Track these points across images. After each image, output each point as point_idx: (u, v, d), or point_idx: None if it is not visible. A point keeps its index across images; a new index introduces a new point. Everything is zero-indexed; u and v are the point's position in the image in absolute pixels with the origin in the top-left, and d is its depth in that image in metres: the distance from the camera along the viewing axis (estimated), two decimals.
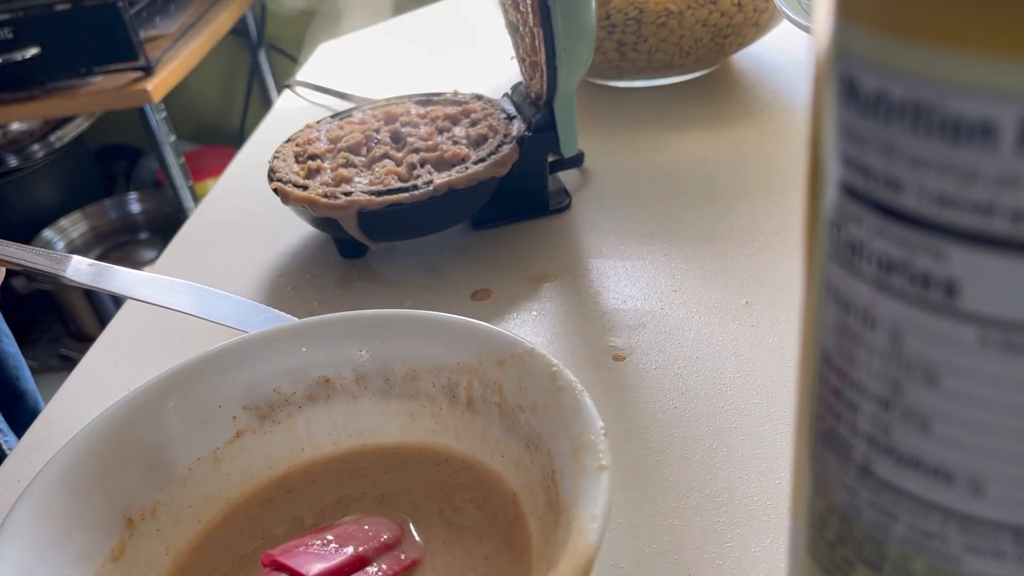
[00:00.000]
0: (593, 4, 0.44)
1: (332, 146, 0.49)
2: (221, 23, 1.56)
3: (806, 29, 0.47)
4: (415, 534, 0.27)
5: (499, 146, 0.46)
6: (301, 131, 0.51)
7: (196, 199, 1.50)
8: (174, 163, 1.48)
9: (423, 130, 0.49)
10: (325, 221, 0.45)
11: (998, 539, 0.14)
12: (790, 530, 0.19)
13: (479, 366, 0.28)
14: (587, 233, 0.48)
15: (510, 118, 0.49)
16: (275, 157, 0.49)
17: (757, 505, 0.30)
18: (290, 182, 0.46)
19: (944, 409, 0.13)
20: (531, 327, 0.41)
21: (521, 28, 0.48)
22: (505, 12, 0.51)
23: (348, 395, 0.30)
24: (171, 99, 1.45)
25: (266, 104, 1.86)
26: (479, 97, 0.52)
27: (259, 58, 1.87)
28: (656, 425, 0.34)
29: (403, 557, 0.26)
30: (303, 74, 0.80)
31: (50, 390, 0.46)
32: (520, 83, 0.52)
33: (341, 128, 0.51)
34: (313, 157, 0.48)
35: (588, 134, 0.59)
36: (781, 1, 0.50)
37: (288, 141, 0.50)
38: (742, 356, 0.37)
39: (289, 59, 1.88)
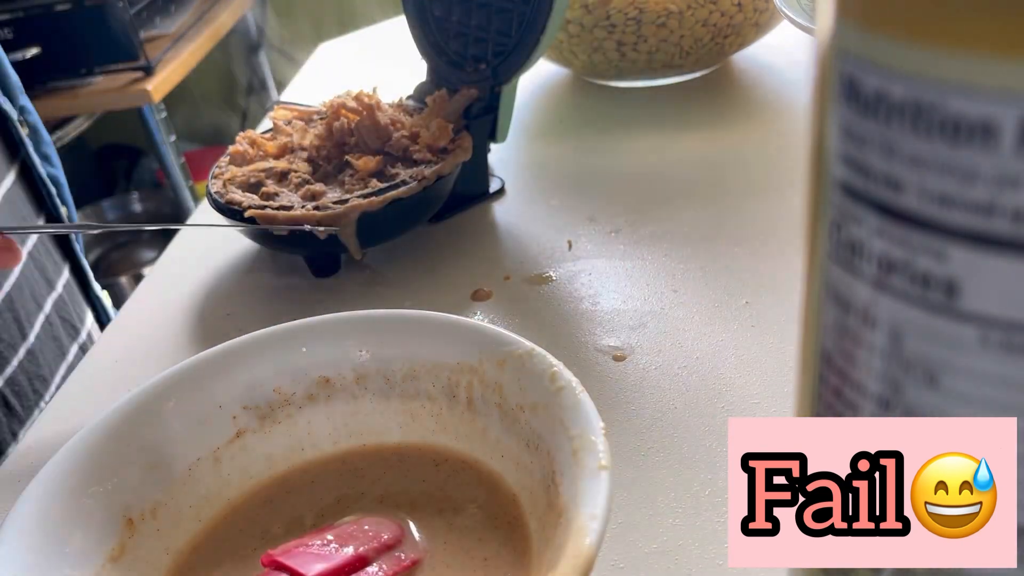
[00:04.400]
0: None
1: (272, 167, 0.47)
2: (221, 23, 1.56)
3: (806, 29, 0.47)
4: (415, 534, 0.27)
5: (454, 137, 0.47)
6: (231, 156, 0.49)
7: (196, 199, 1.50)
8: (174, 163, 1.48)
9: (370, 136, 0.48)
10: (298, 239, 0.43)
11: None
12: None
13: (479, 366, 0.28)
14: (587, 234, 0.48)
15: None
16: (220, 194, 0.46)
17: None
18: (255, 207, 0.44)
19: (944, 409, 0.13)
20: (531, 327, 0.41)
21: (471, 22, 0.49)
22: (429, 10, 0.52)
23: (348, 395, 0.30)
24: (171, 99, 1.45)
25: (266, 104, 1.86)
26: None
27: (259, 58, 1.87)
28: (656, 425, 0.34)
29: (403, 557, 0.26)
30: (302, 76, 0.80)
31: None
32: (423, 82, 0.53)
33: (273, 144, 0.49)
34: (254, 186, 0.46)
35: (588, 134, 0.59)
36: (781, 1, 0.50)
37: (219, 170, 0.48)
38: (742, 356, 0.37)
39: (289, 59, 1.88)
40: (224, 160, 0.49)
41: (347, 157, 0.47)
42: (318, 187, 0.45)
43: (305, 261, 0.47)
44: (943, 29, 0.11)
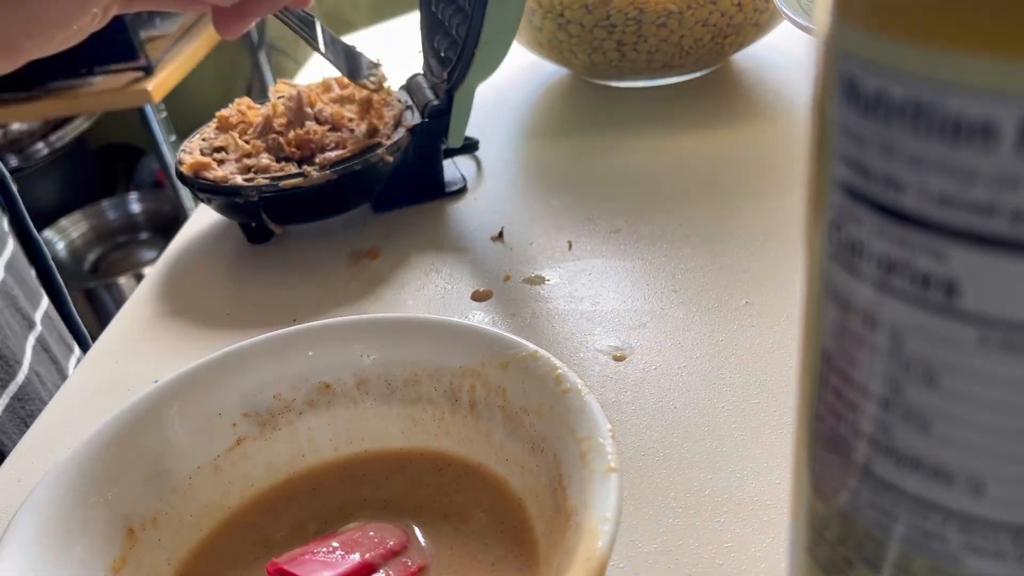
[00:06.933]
0: (521, 12, 0.47)
1: (240, 135, 0.51)
2: None
3: (806, 29, 0.47)
4: (421, 540, 0.27)
5: (393, 131, 0.49)
6: (217, 120, 0.53)
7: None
8: (174, 163, 1.48)
9: (327, 113, 0.51)
10: (231, 207, 0.48)
11: (998, 539, 0.14)
12: (790, 530, 0.19)
13: (482, 369, 0.28)
14: (587, 233, 0.48)
15: (408, 107, 0.52)
16: (182, 151, 0.51)
17: (757, 505, 0.30)
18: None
19: (944, 409, 0.13)
20: (531, 327, 0.41)
21: (447, 21, 0.51)
22: (431, 4, 0.54)
23: (349, 400, 0.30)
24: (171, 99, 1.45)
25: None
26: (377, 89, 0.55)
27: (259, 58, 1.87)
28: (656, 425, 0.34)
29: (410, 563, 0.26)
30: (302, 76, 0.80)
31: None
32: (417, 74, 0.55)
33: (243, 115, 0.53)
34: (218, 150, 0.50)
35: (588, 134, 0.59)
36: (781, 1, 0.50)
37: (202, 129, 0.53)
38: (742, 356, 0.37)
39: (289, 59, 1.88)
40: (212, 123, 0.53)
41: (292, 132, 0.49)
42: (251, 161, 0.48)
43: (240, 228, 0.51)
44: (943, 29, 0.11)
